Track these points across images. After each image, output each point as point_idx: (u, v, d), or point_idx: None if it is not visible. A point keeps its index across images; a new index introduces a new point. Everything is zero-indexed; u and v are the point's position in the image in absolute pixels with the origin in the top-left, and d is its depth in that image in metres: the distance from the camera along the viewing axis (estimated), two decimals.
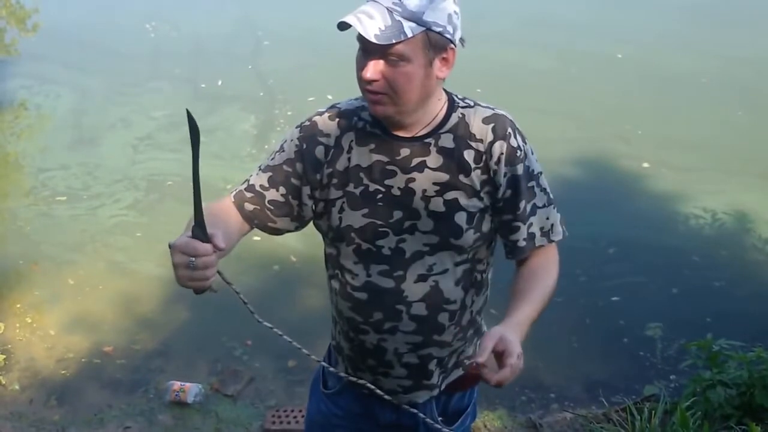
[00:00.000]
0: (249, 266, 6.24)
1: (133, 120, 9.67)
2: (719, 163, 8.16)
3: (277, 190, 2.26)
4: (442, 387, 2.44)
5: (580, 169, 7.92)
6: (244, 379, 5.27)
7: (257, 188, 2.29)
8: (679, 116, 9.27)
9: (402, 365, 2.35)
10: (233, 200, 2.30)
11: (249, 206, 2.29)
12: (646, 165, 8.12)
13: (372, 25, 1.95)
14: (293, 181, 2.26)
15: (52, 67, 11.62)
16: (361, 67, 2.06)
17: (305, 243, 6.32)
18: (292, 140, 2.28)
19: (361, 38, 2.00)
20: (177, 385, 5.09)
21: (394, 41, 1.96)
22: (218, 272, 1.99)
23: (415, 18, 1.97)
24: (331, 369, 2.40)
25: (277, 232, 2.34)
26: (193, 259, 1.89)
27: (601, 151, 8.37)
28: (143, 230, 7.21)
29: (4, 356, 5.46)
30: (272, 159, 2.31)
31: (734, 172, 7.95)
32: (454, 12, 2.06)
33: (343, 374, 2.37)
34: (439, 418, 2.47)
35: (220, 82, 10.76)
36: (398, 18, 1.96)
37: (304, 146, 2.25)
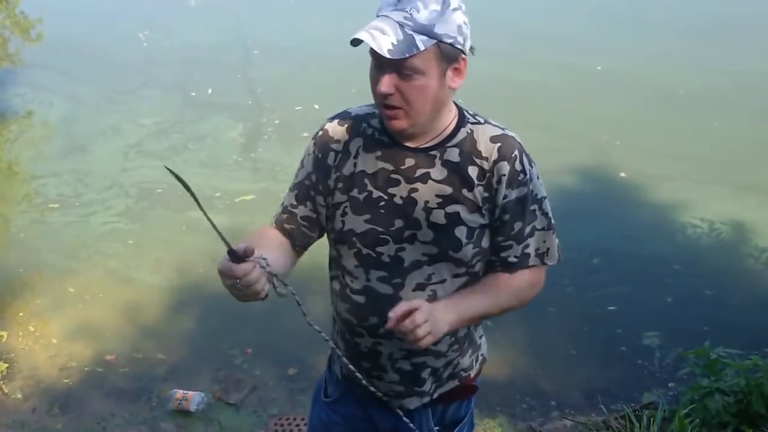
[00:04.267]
0: None
1: (123, 128, 9.70)
2: (695, 172, 8.24)
3: (305, 206, 2.34)
4: (434, 396, 2.45)
5: (559, 180, 7.95)
6: (247, 387, 5.29)
7: (289, 208, 2.37)
8: (656, 127, 9.34)
9: (395, 370, 2.36)
10: (274, 224, 2.40)
11: (287, 227, 2.38)
12: (623, 175, 8.19)
13: (385, 40, 1.97)
14: (315, 196, 2.32)
15: (46, 76, 11.62)
16: (375, 81, 2.09)
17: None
18: (309, 154, 2.34)
19: (374, 53, 2.02)
20: (180, 393, 5.11)
21: (407, 55, 1.98)
22: (274, 276, 2.07)
23: (426, 31, 1.99)
24: (338, 351, 2.39)
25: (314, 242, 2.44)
26: (237, 280, 1.95)
27: (579, 161, 8.43)
28: (135, 237, 7.24)
29: (7, 365, 5.46)
30: (296, 177, 2.38)
31: (709, 182, 8.01)
32: (464, 23, 2.08)
33: (345, 360, 2.35)
34: (436, 428, 2.50)
35: (210, 91, 10.78)
36: (410, 32, 1.98)
37: (320, 156, 2.30)
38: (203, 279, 6.44)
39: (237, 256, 1.93)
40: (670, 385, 5.26)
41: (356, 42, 2.01)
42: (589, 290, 6.38)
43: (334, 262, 2.41)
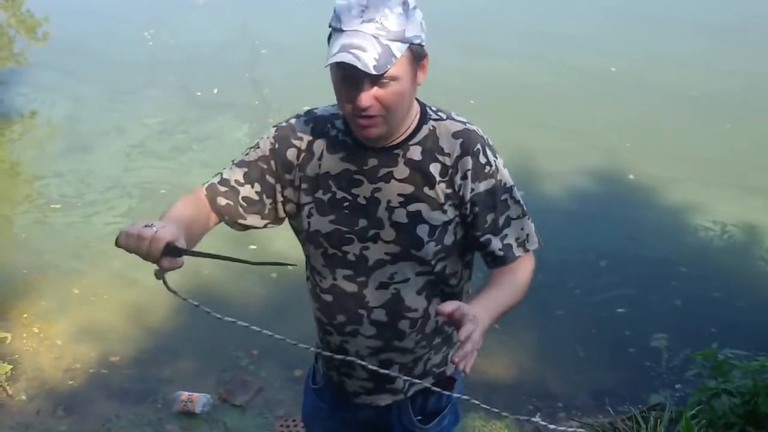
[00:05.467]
0: (247, 275, 6.29)
1: (126, 127, 9.69)
2: (704, 174, 8.20)
3: (252, 187, 2.30)
4: (408, 394, 2.48)
5: (568, 181, 7.98)
6: (253, 389, 5.28)
7: (232, 183, 2.31)
8: (667, 129, 9.30)
9: (363, 368, 2.34)
10: (206, 193, 2.32)
11: (222, 200, 2.30)
12: (632, 176, 8.18)
13: (368, 57, 1.95)
14: (269, 178, 2.30)
15: (50, 75, 11.63)
16: (350, 97, 2.05)
17: (299, 251, 6.30)
18: (268, 138, 2.33)
19: (344, 70, 2.00)
20: (185, 395, 5.10)
21: (389, 67, 1.97)
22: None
23: (399, 37, 1.99)
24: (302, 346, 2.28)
25: (245, 228, 2.37)
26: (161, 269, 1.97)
27: (588, 163, 8.41)
28: None
29: (11, 366, 5.44)
30: (247, 155, 2.34)
31: (718, 184, 7.99)
32: (422, 18, 2.08)
33: (313, 348, 2.33)
34: (417, 418, 2.53)
35: (215, 90, 10.77)
36: (385, 42, 1.97)
37: (277, 146, 2.30)
38: (209, 280, 6.43)
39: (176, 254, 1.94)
40: (677, 386, 5.25)
41: (344, 66, 1.98)
42: (597, 292, 6.37)
43: (306, 261, 2.45)
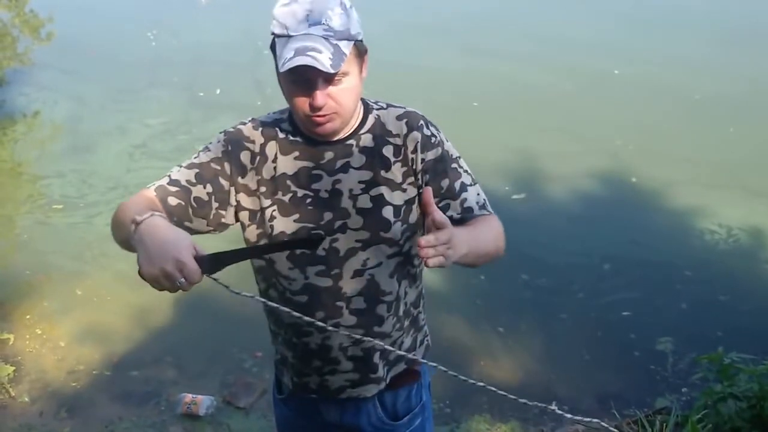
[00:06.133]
0: (249, 275, 6.26)
1: (129, 128, 9.72)
2: (707, 178, 8.19)
3: (204, 188, 2.26)
4: (388, 380, 2.51)
5: (571, 184, 7.98)
6: (257, 391, 5.25)
7: (183, 183, 2.26)
8: (670, 132, 9.30)
9: (348, 359, 2.41)
10: (155, 194, 2.24)
11: (173, 200, 2.23)
12: (634, 180, 8.17)
13: (324, 57, 2.01)
14: (221, 180, 2.28)
15: (53, 75, 11.65)
16: (305, 98, 2.12)
17: None
18: (219, 142, 2.33)
19: (300, 72, 2.05)
20: (189, 397, 5.09)
21: (341, 64, 2.05)
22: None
23: (345, 35, 2.07)
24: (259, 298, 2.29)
25: (189, 232, 2.19)
26: (183, 280, 1.88)
27: (591, 166, 8.40)
28: None
29: (14, 368, 5.45)
30: (197, 157, 2.32)
31: (722, 187, 7.98)
32: (357, 17, 2.15)
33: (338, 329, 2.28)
34: (386, 416, 2.56)
35: (218, 91, 10.80)
36: (334, 41, 2.05)
37: (230, 148, 2.30)
38: (211, 281, 6.42)
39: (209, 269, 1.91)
40: (683, 390, 5.24)
41: (298, 69, 2.03)
42: (602, 296, 6.37)
43: (264, 272, 2.42)
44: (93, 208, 7.80)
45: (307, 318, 2.15)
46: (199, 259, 1.86)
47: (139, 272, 1.90)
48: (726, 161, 8.52)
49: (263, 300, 2.23)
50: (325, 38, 2.03)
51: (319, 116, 2.13)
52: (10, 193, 8.49)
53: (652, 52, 11.94)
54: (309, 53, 2.01)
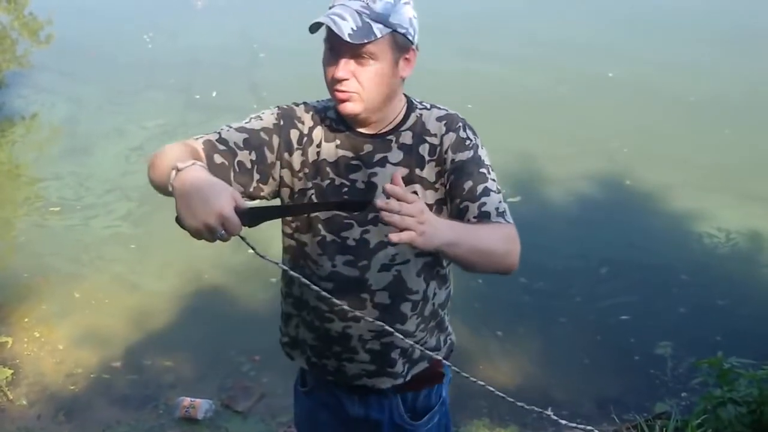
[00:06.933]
0: (247, 279, 6.28)
1: (126, 130, 9.76)
2: (702, 180, 8.20)
3: (249, 154, 2.24)
4: (407, 377, 2.50)
5: (565, 187, 7.99)
6: (255, 395, 5.26)
7: (231, 144, 2.23)
8: (664, 134, 9.31)
9: (366, 351, 2.42)
10: (202, 146, 2.19)
11: (218, 159, 2.18)
12: (629, 182, 8.19)
13: (345, 25, 2.06)
14: (267, 152, 2.27)
15: (50, 77, 11.68)
16: (330, 66, 2.17)
17: None
18: (272, 114, 2.33)
19: (330, 38, 2.13)
20: (187, 401, 5.08)
21: (365, 41, 2.08)
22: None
23: (382, 20, 2.11)
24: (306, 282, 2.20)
25: None
26: (224, 233, 1.81)
27: (585, 168, 8.42)
28: (137, 242, 7.27)
29: (12, 371, 5.45)
30: (248, 122, 2.31)
31: (716, 190, 7.97)
32: (414, 17, 2.20)
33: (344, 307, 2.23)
34: (407, 414, 2.56)
35: (214, 93, 10.83)
36: (367, 20, 2.09)
37: (282, 123, 2.31)
38: (209, 285, 6.44)
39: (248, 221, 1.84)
40: (682, 395, 5.23)
41: (315, 27, 2.11)
42: (600, 299, 6.36)
43: (295, 252, 2.43)
44: (90, 210, 7.83)
45: (335, 300, 2.13)
46: (240, 212, 1.81)
47: (178, 221, 1.86)
48: (721, 164, 8.54)
49: (292, 273, 2.17)
50: (358, 12, 2.08)
51: (339, 90, 2.16)
52: (8, 195, 8.50)
53: (647, 54, 11.99)
54: (332, 16, 2.07)
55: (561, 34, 12.78)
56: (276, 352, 5.72)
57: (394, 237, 1.78)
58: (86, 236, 7.36)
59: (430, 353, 2.33)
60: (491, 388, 2.18)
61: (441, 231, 1.89)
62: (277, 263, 2.13)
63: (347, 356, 2.45)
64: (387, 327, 2.19)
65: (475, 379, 2.16)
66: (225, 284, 6.42)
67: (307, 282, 2.14)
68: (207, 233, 1.82)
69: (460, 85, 10.21)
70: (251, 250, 1.99)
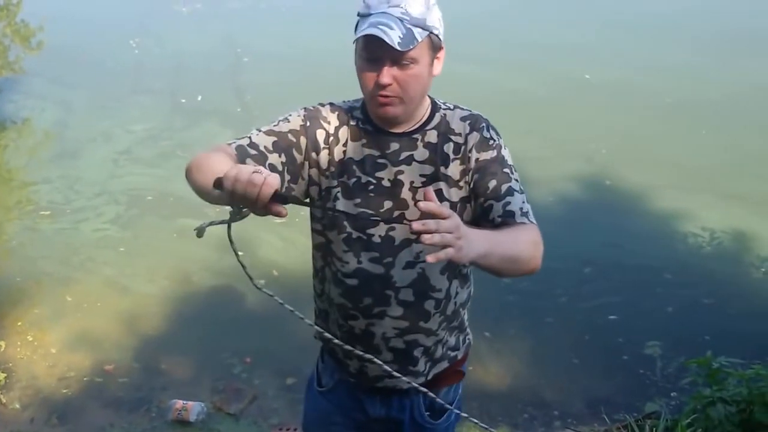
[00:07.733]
0: (238, 281, 6.27)
1: (113, 134, 9.81)
2: (680, 181, 8.30)
3: (279, 156, 2.26)
4: (429, 377, 2.53)
5: (550, 188, 8.02)
6: (247, 397, 5.26)
7: (261, 148, 2.25)
8: (642, 135, 9.42)
9: (389, 349, 2.45)
10: (235, 152, 2.21)
11: (250, 163, 2.18)
12: (608, 183, 8.26)
13: (393, 34, 2.11)
14: (295, 153, 2.30)
15: (39, 83, 11.69)
16: (371, 73, 2.21)
17: (285, 257, 6.43)
18: (299, 115, 2.37)
19: (372, 48, 2.15)
20: (179, 403, 5.09)
21: (411, 47, 2.13)
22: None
23: (421, 24, 2.16)
24: (326, 334, 2.31)
25: None
26: (256, 191, 1.79)
27: (565, 170, 8.50)
28: (126, 245, 7.28)
29: (5, 375, 5.44)
30: (276, 125, 2.34)
31: (695, 190, 8.07)
32: (440, 17, 2.26)
33: (320, 329, 2.37)
34: (426, 413, 2.60)
35: (200, 98, 10.87)
36: (408, 26, 2.14)
37: (308, 123, 2.35)
38: (199, 287, 6.45)
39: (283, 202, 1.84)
40: (672, 394, 5.26)
41: (368, 38, 2.13)
42: (585, 299, 6.41)
43: (323, 249, 2.47)
44: (79, 213, 7.85)
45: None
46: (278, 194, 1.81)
47: (218, 181, 1.84)
48: (700, 164, 8.64)
49: (286, 305, 2.23)
50: (400, 20, 2.13)
51: (382, 96, 2.21)
52: (0, 199, 8.48)
53: (625, 57, 12.12)
54: (381, 27, 2.11)
55: (541, 37, 12.87)
56: (267, 353, 5.74)
57: (431, 258, 1.77)
58: (76, 240, 7.37)
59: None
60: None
61: (476, 243, 1.89)
62: (261, 288, 2.22)
63: (370, 355, 2.42)
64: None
65: (475, 421, 2.23)
66: (215, 286, 6.43)
67: (302, 316, 2.23)
68: (247, 184, 1.77)
69: (440, 87, 10.19)
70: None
